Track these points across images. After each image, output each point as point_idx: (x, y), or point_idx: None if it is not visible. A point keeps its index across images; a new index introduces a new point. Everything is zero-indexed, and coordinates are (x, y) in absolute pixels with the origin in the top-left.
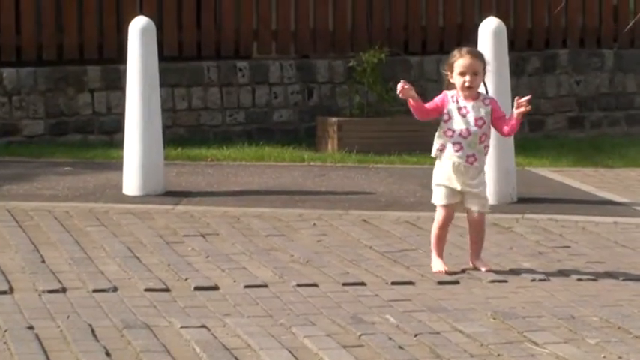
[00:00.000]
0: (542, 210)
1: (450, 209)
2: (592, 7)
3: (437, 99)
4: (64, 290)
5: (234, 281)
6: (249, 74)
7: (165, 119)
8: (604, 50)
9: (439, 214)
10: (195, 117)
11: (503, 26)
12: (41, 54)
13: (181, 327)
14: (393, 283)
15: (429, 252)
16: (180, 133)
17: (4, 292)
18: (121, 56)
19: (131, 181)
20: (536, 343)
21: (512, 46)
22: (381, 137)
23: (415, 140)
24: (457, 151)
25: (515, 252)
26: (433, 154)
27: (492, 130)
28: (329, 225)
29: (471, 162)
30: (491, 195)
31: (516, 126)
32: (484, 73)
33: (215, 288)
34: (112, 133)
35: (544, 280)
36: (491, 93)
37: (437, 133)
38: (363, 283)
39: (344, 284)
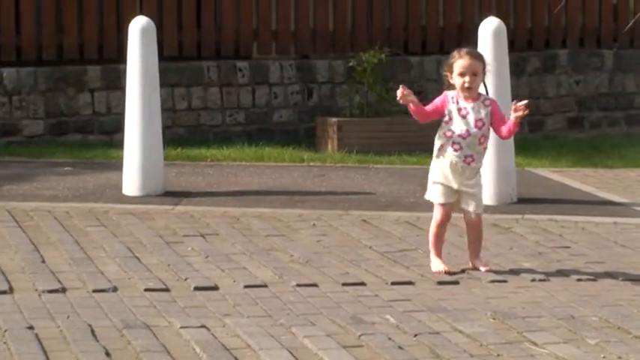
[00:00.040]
0: (542, 210)
1: (447, 208)
2: (592, 7)
3: (437, 100)
4: (63, 290)
5: (234, 281)
6: (249, 74)
7: (165, 119)
8: (604, 50)
9: (437, 213)
10: (195, 117)
11: (503, 26)
12: (41, 54)
13: (181, 327)
14: (392, 284)
15: (428, 252)
16: (180, 133)
17: (3, 292)
18: (121, 56)
19: (131, 181)
20: (535, 344)
21: (512, 46)
22: (381, 137)
23: (415, 140)
24: (456, 150)
25: (515, 252)
26: (434, 155)
27: (491, 131)
28: (329, 225)
29: (469, 162)
30: (491, 195)
31: (514, 129)
32: (484, 73)
33: (215, 288)
34: (112, 133)
35: (544, 280)
36: (491, 93)
37: (437, 134)
38: (362, 284)
39: (344, 284)
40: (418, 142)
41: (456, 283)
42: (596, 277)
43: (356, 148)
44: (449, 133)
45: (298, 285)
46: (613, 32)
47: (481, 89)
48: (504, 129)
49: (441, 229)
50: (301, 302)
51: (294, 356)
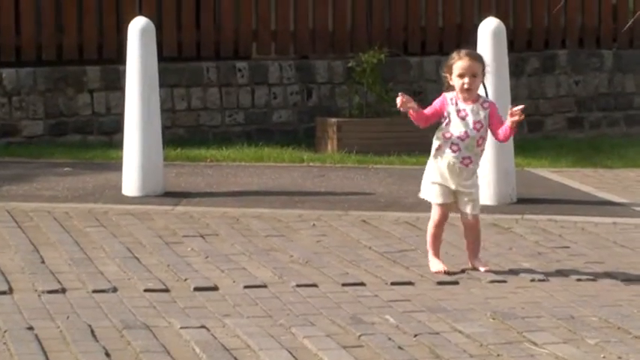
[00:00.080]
0: (542, 210)
1: (445, 208)
2: (591, 7)
3: (436, 103)
4: (63, 291)
5: (234, 282)
6: (248, 75)
7: (165, 120)
8: (603, 50)
9: (434, 213)
10: (194, 117)
11: (503, 26)
12: (40, 54)
13: (181, 327)
14: (392, 284)
15: (427, 252)
16: (180, 133)
17: (3, 293)
18: (120, 56)
19: (130, 182)
20: (535, 344)
21: (511, 46)
22: (381, 138)
23: (414, 141)
24: (454, 152)
25: (515, 252)
26: (431, 155)
27: (489, 132)
28: (328, 225)
29: (467, 164)
30: (490, 195)
31: (510, 133)
32: (483, 75)
33: (215, 288)
34: (112, 133)
35: (543, 280)
36: (490, 94)
37: (436, 135)
38: (362, 284)
39: (343, 285)
40: (417, 142)
41: (456, 283)
42: (595, 277)
43: (355, 149)
44: (447, 135)
45: (298, 285)
46: (612, 32)
47: (480, 91)
48: (501, 132)
49: (439, 229)
50: (301, 302)
51: (293, 356)
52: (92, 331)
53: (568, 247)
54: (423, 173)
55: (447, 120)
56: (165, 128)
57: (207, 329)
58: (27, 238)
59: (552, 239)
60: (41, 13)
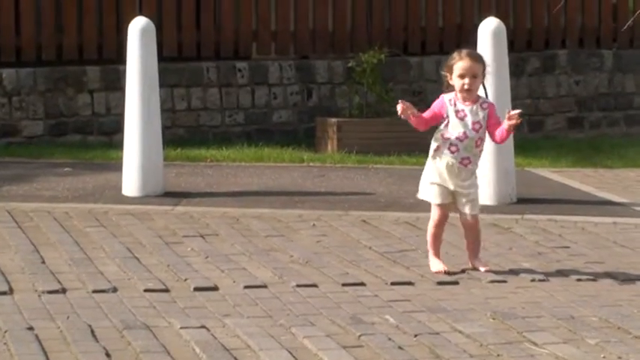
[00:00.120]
0: (542, 210)
1: (444, 208)
2: (591, 7)
3: (434, 106)
4: (63, 291)
5: (234, 282)
6: (248, 75)
7: (165, 120)
8: (603, 50)
9: (434, 213)
10: (194, 117)
11: (503, 26)
12: (40, 54)
13: (181, 328)
14: (392, 284)
15: (427, 252)
16: (180, 133)
17: (3, 293)
18: (120, 57)
19: (130, 182)
20: (535, 344)
21: (511, 46)
22: (381, 138)
23: (414, 141)
24: (453, 152)
25: (515, 252)
26: (430, 156)
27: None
28: (328, 225)
29: (465, 164)
30: (490, 195)
31: (507, 136)
32: (483, 75)
33: (215, 289)
34: (112, 133)
35: (543, 280)
36: (491, 94)
37: (434, 136)
38: (362, 284)
39: (343, 285)
40: (417, 142)
41: (456, 283)
42: (595, 277)
43: (355, 149)
44: (446, 135)
45: (298, 285)
46: (612, 32)
47: (480, 91)
48: (498, 134)
49: (439, 229)
50: (301, 302)
51: (293, 356)
52: (92, 332)
53: (568, 247)
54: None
55: (446, 121)
56: (165, 128)
57: (208, 329)
58: (27, 239)
59: (552, 239)
60: (41, 13)
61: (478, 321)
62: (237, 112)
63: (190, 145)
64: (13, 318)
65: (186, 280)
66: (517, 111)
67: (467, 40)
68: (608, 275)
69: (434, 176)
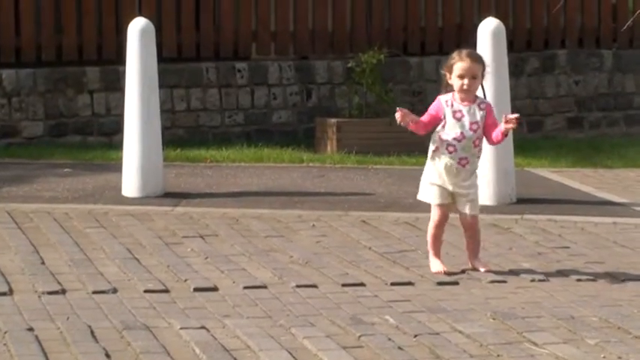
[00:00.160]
0: (542, 210)
1: (444, 208)
2: (591, 7)
3: (432, 109)
4: (63, 292)
5: (234, 282)
6: (248, 75)
7: (165, 120)
8: (603, 50)
9: (434, 214)
10: (194, 118)
11: (502, 27)
12: (40, 55)
13: (181, 328)
14: (392, 284)
15: (427, 253)
16: (180, 134)
17: (3, 294)
18: (120, 57)
19: (130, 183)
20: (535, 344)
21: (511, 46)
22: (380, 138)
23: (414, 141)
24: (451, 153)
25: (515, 252)
26: (429, 157)
27: None
28: (328, 226)
29: (464, 164)
30: (490, 195)
31: (502, 139)
32: (483, 76)
33: (214, 289)
34: (112, 134)
35: (543, 280)
36: (490, 94)
37: (432, 137)
38: (362, 284)
39: (343, 285)
40: (417, 142)
41: (456, 283)
42: (595, 277)
43: (355, 149)
44: (443, 137)
45: (298, 286)
46: (612, 32)
47: (479, 92)
48: (493, 135)
49: (439, 229)
50: (301, 303)
51: (293, 357)
52: (92, 332)
53: (568, 247)
54: (422, 174)
55: (443, 122)
56: (164, 129)
57: (207, 330)
58: (27, 239)
59: (552, 239)
60: (41, 13)
61: (478, 321)
62: (236, 113)
63: (190, 146)
64: (13, 319)
65: (186, 280)
66: (515, 115)
67: (466, 40)
68: (608, 275)
69: (433, 177)
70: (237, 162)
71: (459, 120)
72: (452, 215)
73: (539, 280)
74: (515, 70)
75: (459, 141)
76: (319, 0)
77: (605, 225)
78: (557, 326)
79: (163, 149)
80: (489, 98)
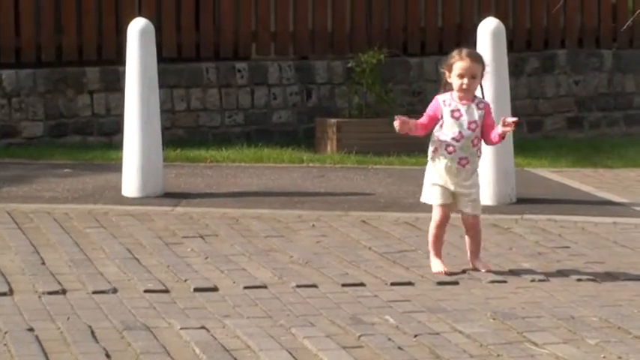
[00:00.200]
0: (542, 210)
1: (446, 208)
2: (590, 7)
3: (430, 109)
4: (63, 292)
5: (234, 282)
6: (248, 75)
7: (164, 120)
8: (603, 50)
9: (436, 214)
10: (194, 118)
11: (502, 27)
12: (40, 55)
13: (181, 328)
14: (392, 284)
15: (428, 253)
16: (180, 134)
17: (4, 294)
18: (119, 58)
19: (130, 183)
20: (535, 344)
21: (511, 46)
22: (380, 138)
23: (414, 141)
24: (450, 153)
25: (515, 252)
26: (429, 158)
27: None
28: (328, 226)
29: (464, 164)
30: (490, 195)
31: (498, 140)
32: (482, 76)
33: (214, 289)
34: (111, 134)
35: (543, 280)
36: (490, 94)
37: (431, 138)
38: (362, 284)
39: (343, 285)
40: (417, 142)
41: (456, 283)
42: (595, 277)
43: (355, 149)
44: (442, 137)
45: (298, 286)
46: (612, 32)
47: (477, 91)
48: (490, 136)
49: (440, 230)
50: (301, 303)
51: (294, 357)
52: (92, 332)
53: (568, 247)
54: (422, 173)
55: (440, 122)
56: (164, 129)
57: (207, 330)
58: (27, 240)
59: (552, 239)
60: (41, 14)
61: (478, 321)
62: (236, 113)
63: (190, 146)
64: (14, 319)
65: (186, 280)
66: (513, 119)
67: (466, 40)
68: (609, 275)
69: (434, 178)
70: (237, 162)
71: (457, 119)
72: (452, 215)
73: (540, 280)
74: (515, 70)
75: (458, 141)
76: (319, 0)
77: (605, 225)
78: (558, 326)
79: (163, 149)
80: (489, 98)
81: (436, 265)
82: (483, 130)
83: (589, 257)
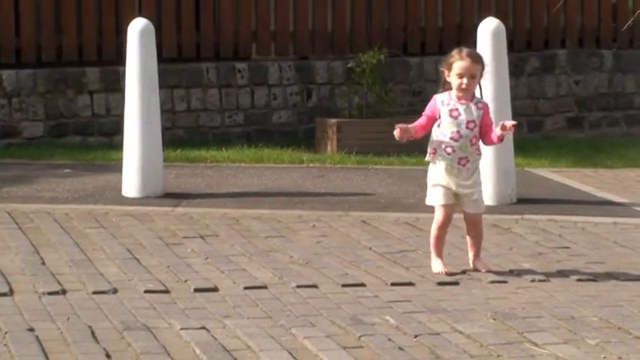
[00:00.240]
0: (542, 210)
1: (448, 209)
2: (591, 7)
3: (428, 110)
4: (64, 292)
5: (234, 283)
6: (248, 75)
7: (165, 121)
8: (603, 50)
9: (438, 214)
10: (194, 118)
11: (502, 27)
12: (40, 55)
13: (181, 329)
14: (392, 284)
15: (428, 253)
16: (180, 134)
17: (4, 294)
18: (120, 58)
19: (130, 183)
20: (536, 344)
21: (511, 46)
22: (380, 138)
23: (414, 141)
24: (449, 153)
25: (515, 253)
26: (427, 159)
27: None
28: (328, 226)
29: (463, 164)
30: (490, 195)
31: (496, 142)
32: (481, 76)
33: (215, 289)
34: (112, 134)
35: (544, 280)
36: (490, 94)
37: (429, 140)
38: (362, 285)
39: (343, 285)
40: (417, 142)
41: (456, 283)
42: (596, 277)
43: (355, 149)
44: (440, 137)
45: (298, 286)
46: (612, 32)
47: (476, 91)
48: (489, 137)
49: (442, 230)
50: (301, 303)
51: (294, 357)
52: (92, 333)
53: (568, 248)
54: (422, 174)
55: (438, 122)
56: (165, 129)
57: (208, 330)
58: (27, 240)
59: (552, 239)
60: (41, 14)
61: (478, 321)
62: (236, 113)
63: (190, 146)
64: (14, 319)
65: (186, 281)
66: (512, 122)
67: (466, 40)
68: (609, 275)
69: (436, 178)
70: (238, 162)
71: (455, 119)
72: (454, 215)
73: (540, 281)
74: (516, 70)
75: (456, 140)
76: (319, 0)
77: (606, 225)
78: (558, 326)
79: (163, 149)
80: (489, 98)
81: (437, 266)
82: (482, 130)
83: (589, 257)
